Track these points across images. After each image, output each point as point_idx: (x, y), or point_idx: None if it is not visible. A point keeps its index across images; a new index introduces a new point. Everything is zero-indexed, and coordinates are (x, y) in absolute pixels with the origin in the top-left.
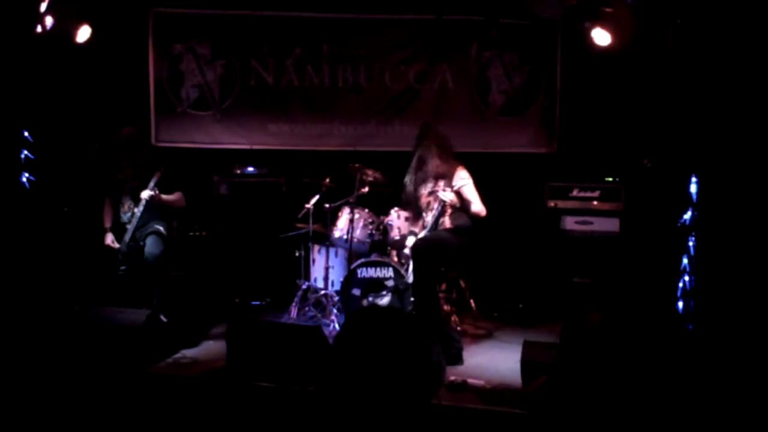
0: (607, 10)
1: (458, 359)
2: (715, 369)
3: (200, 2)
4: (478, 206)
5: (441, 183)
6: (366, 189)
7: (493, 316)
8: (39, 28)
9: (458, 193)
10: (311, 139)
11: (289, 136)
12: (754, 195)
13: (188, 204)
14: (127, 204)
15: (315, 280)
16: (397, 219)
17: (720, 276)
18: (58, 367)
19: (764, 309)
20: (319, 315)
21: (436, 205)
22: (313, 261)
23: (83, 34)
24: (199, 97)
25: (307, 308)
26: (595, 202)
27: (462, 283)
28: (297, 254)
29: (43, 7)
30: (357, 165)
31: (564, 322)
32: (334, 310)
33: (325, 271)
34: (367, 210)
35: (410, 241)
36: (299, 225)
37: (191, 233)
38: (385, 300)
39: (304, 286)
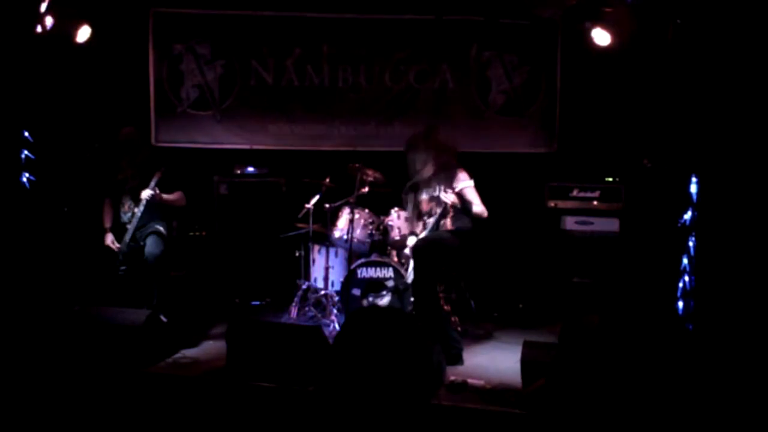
0: (607, 10)
1: (458, 359)
2: (715, 369)
3: (200, 2)
4: (479, 208)
5: (442, 186)
6: (366, 189)
7: (493, 316)
8: (39, 28)
9: (459, 195)
10: (311, 139)
11: (289, 136)
12: (754, 195)
13: (188, 204)
14: (127, 204)
15: (315, 280)
16: (397, 219)
17: (720, 276)
18: (58, 367)
19: (764, 309)
20: (319, 315)
21: (437, 209)
22: (313, 261)
23: (83, 34)
24: (199, 97)
25: (307, 308)
26: (595, 202)
27: (462, 284)
28: (297, 254)
29: (43, 7)
30: (357, 165)
31: (563, 324)
32: (334, 310)
33: (325, 271)
34: (367, 210)
35: (411, 241)
36: (299, 225)
37: (191, 233)
38: (385, 300)
39: (304, 286)
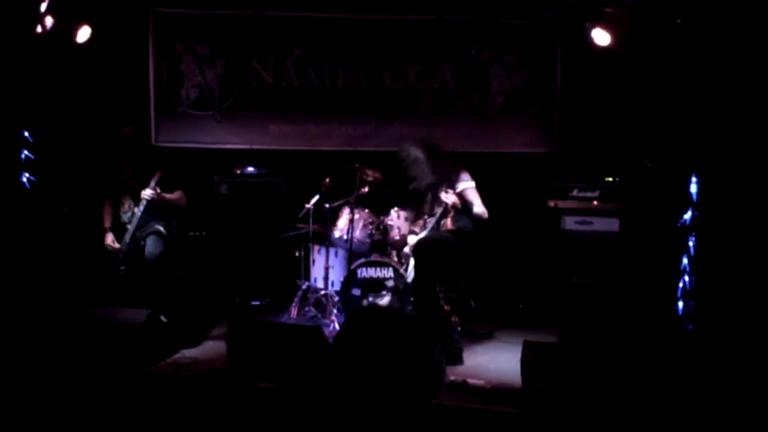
0: (607, 10)
1: (458, 359)
2: (715, 369)
3: (200, 2)
4: (479, 209)
5: (443, 186)
6: (366, 189)
7: (493, 316)
8: (39, 28)
9: (460, 196)
10: (311, 139)
11: (289, 137)
12: (754, 195)
13: (188, 204)
14: (128, 204)
15: (315, 280)
16: (397, 219)
17: (720, 276)
18: (58, 367)
19: (764, 309)
20: (319, 315)
21: (438, 209)
22: (313, 261)
23: (83, 34)
24: (199, 97)
25: (307, 308)
26: (595, 202)
27: (462, 284)
28: (297, 254)
29: (43, 7)
30: (357, 165)
31: (563, 324)
32: (334, 310)
33: (325, 271)
34: (367, 210)
35: (411, 240)
36: (299, 225)
37: (191, 233)
38: (385, 300)
39: (304, 286)
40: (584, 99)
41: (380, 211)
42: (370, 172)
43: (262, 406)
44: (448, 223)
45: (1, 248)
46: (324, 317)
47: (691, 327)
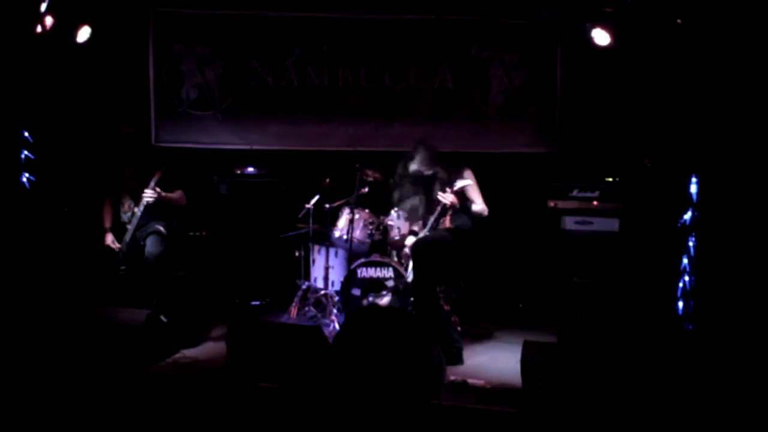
0: (607, 10)
1: (458, 359)
2: (714, 369)
3: (200, 2)
4: (479, 207)
5: (442, 185)
6: (366, 189)
7: (493, 316)
8: (39, 28)
9: (460, 194)
10: (311, 140)
11: (289, 137)
12: (754, 195)
13: (188, 204)
14: (128, 204)
15: (315, 280)
16: (397, 219)
17: (720, 276)
18: (58, 367)
19: (764, 309)
20: (319, 315)
21: (437, 206)
22: (313, 261)
23: (83, 34)
24: (199, 97)
25: (307, 308)
26: (595, 202)
27: (462, 283)
28: (297, 254)
29: (43, 7)
30: (357, 165)
31: (563, 324)
32: (334, 310)
33: (325, 271)
34: (367, 210)
35: (410, 240)
36: (299, 225)
37: (191, 233)
38: (385, 300)
39: (304, 286)
40: (584, 99)
41: (380, 211)
42: (370, 172)
43: (262, 406)
44: (447, 221)
45: (1, 248)
46: (324, 317)
47: (691, 327)
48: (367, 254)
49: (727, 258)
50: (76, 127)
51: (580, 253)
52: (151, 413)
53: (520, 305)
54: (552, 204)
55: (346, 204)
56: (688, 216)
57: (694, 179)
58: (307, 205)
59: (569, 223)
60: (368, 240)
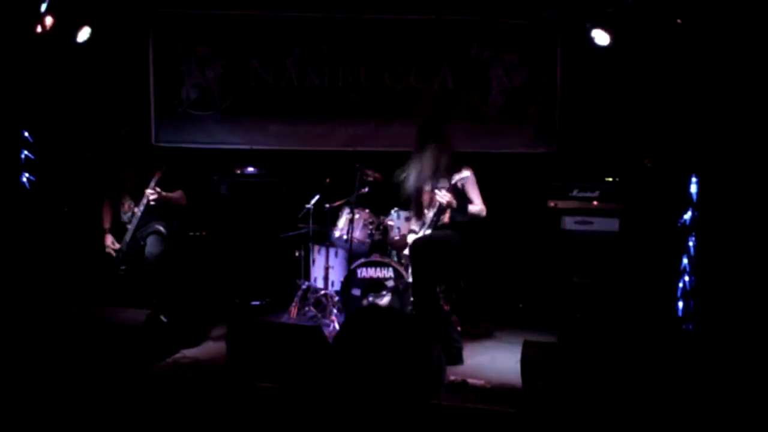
0: (607, 10)
1: (458, 359)
2: (714, 369)
3: (200, 2)
4: (476, 207)
5: (441, 181)
6: (366, 189)
7: (493, 316)
8: (39, 28)
9: (457, 190)
10: (311, 140)
11: (289, 137)
12: (754, 195)
13: (188, 204)
14: (128, 204)
15: (315, 280)
16: (397, 219)
17: (720, 276)
18: (58, 367)
19: (764, 309)
20: (319, 315)
21: (434, 208)
22: (313, 261)
23: (83, 34)
24: (199, 97)
25: (307, 308)
26: (595, 202)
27: (462, 283)
28: (297, 254)
29: (43, 7)
30: (357, 165)
31: (563, 324)
32: (334, 310)
33: (325, 271)
34: (367, 210)
35: (410, 239)
36: (299, 225)
37: (191, 233)
38: (385, 300)
39: (304, 286)
40: (584, 99)
41: (380, 211)
42: (370, 172)
43: (262, 406)
44: (446, 219)
45: (1, 248)
46: (324, 317)
47: (691, 327)
48: (367, 254)
49: (727, 258)
50: (76, 127)
51: (580, 253)
52: (151, 413)
53: (520, 305)
54: (552, 204)
55: (346, 204)
56: (688, 216)
57: (694, 179)
58: (307, 205)
59: (569, 223)
60: (368, 240)
